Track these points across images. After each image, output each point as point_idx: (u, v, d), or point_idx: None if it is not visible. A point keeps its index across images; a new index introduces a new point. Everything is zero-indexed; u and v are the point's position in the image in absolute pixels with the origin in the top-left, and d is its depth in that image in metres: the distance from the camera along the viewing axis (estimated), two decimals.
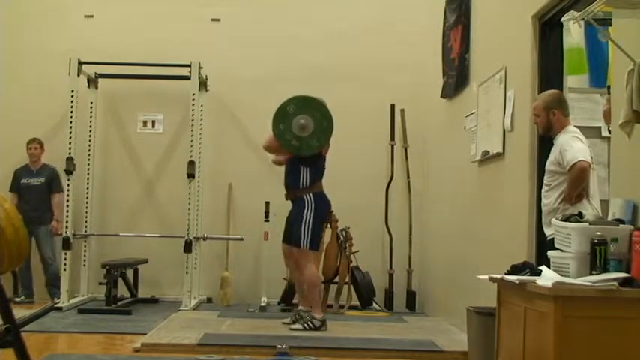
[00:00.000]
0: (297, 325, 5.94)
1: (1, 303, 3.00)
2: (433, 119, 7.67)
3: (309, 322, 5.93)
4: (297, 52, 8.24)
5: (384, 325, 6.47)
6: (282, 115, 6.07)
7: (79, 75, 7.58)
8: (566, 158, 4.10)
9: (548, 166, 4.28)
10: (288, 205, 6.24)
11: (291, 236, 6.06)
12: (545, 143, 4.57)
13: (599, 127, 5.19)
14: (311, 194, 6.01)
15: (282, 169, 6.28)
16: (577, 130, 4.32)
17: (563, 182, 4.16)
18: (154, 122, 8.32)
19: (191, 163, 7.42)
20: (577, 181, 4.07)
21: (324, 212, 6.16)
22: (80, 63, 7.54)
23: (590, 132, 4.88)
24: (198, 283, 7.82)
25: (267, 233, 7.70)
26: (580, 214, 3.56)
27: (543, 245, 4.25)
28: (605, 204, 4.02)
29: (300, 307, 6.16)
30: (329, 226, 6.91)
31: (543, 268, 3.47)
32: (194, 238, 7.50)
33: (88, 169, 7.94)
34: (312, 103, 6.16)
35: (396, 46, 8.21)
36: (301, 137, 6.03)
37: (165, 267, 7.99)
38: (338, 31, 8.26)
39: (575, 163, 4.05)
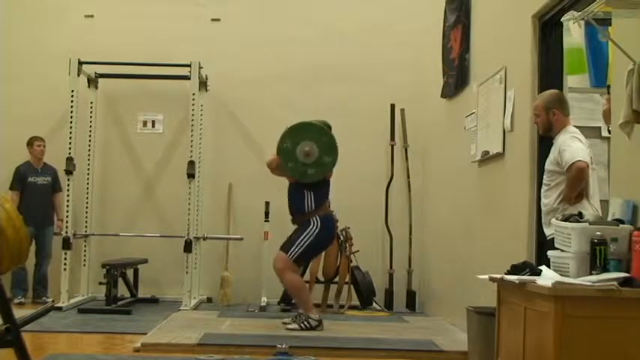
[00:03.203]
0: (294, 325, 5.95)
1: (1, 303, 3.00)
2: (433, 119, 7.67)
3: (305, 322, 5.93)
4: (297, 52, 8.23)
5: (384, 325, 6.46)
6: (285, 155, 6.07)
7: (79, 75, 7.58)
8: (565, 158, 4.11)
9: (548, 165, 4.29)
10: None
11: (285, 240, 6.09)
12: (545, 143, 4.57)
13: (599, 127, 5.18)
14: (317, 217, 6.03)
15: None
16: (577, 130, 4.32)
17: (562, 182, 4.16)
18: (154, 122, 8.32)
19: (191, 163, 7.41)
20: (575, 181, 4.07)
21: (326, 239, 6.18)
22: (80, 63, 7.54)
23: (590, 132, 4.88)
24: (198, 283, 7.82)
25: (267, 233, 7.70)
26: (580, 214, 3.56)
27: (543, 245, 4.25)
28: (605, 204, 4.02)
29: (300, 310, 6.14)
30: None
31: (543, 268, 3.47)
32: (194, 238, 7.49)
33: (88, 169, 7.94)
34: (302, 127, 6.15)
35: (396, 46, 8.20)
36: (313, 163, 6.04)
37: (165, 267, 7.99)
38: (338, 31, 8.25)
39: (574, 163, 4.06)
